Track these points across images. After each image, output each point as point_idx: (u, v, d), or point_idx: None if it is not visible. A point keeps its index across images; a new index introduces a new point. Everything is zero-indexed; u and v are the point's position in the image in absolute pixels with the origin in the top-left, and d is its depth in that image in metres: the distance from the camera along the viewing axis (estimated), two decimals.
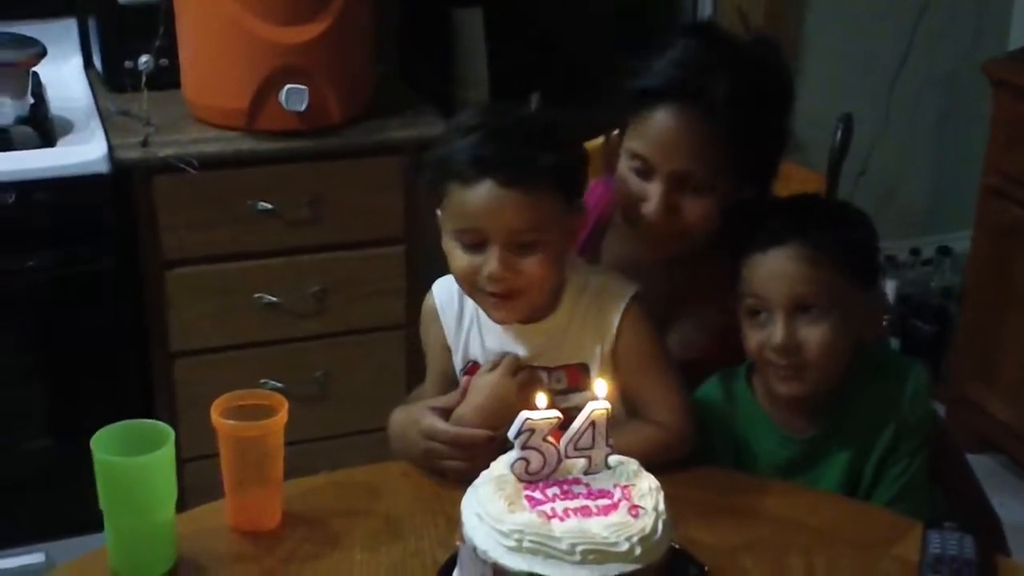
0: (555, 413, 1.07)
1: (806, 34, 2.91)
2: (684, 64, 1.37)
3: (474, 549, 1.02)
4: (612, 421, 1.08)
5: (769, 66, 1.41)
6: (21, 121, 2.00)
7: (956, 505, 1.44)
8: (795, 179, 1.67)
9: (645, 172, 1.37)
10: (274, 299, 2.10)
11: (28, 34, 2.11)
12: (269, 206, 2.04)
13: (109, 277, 1.97)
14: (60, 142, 1.99)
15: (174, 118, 2.06)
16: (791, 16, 2.87)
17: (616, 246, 1.49)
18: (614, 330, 1.29)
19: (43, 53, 2.06)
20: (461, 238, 1.25)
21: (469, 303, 1.34)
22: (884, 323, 1.37)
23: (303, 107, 1.99)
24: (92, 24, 2.26)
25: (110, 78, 2.17)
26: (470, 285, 1.27)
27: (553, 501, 1.04)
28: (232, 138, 2.02)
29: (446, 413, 1.31)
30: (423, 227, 2.20)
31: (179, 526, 1.18)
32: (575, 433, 1.07)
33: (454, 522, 1.10)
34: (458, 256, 1.26)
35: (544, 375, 1.31)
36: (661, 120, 1.35)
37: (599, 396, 1.08)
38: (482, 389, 1.30)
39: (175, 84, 2.10)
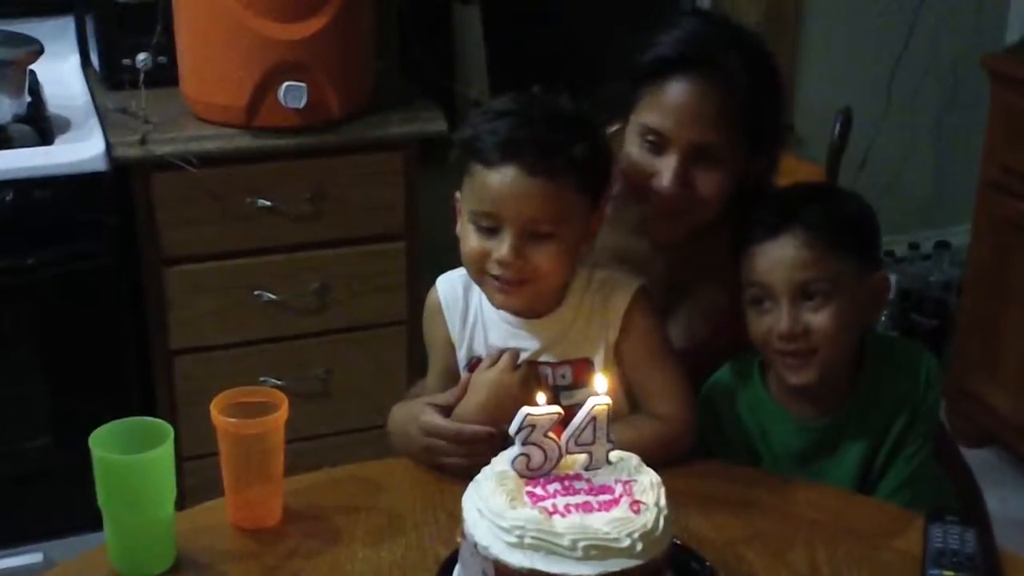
0: (556, 409, 1.06)
1: (805, 28, 2.91)
2: (696, 35, 1.38)
3: (475, 545, 1.02)
4: (614, 415, 1.08)
5: (756, 36, 1.42)
6: (19, 119, 2.00)
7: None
8: (795, 172, 1.68)
9: (659, 146, 1.36)
10: (274, 296, 2.10)
11: (25, 32, 2.10)
12: (269, 203, 2.04)
13: (108, 275, 1.97)
14: (58, 140, 1.98)
15: (173, 115, 2.05)
16: (790, 9, 2.87)
17: (611, 237, 1.49)
18: (619, 324, 1.28)
19: (40, 51, 2.06)
20: (477, 220, 1.24)
21: (474, 299, 1.34)
22: (884, 305, 1.37)
23: (302, 104, 1.98)
24: (90, 22, 2.25)
25: (108, 76, 2.17)
26: (478, 269, 1.26)
27: (554, 497, 1.04)
28: (231, 135, 2.01)
29: (446, 410, 1.31)
30: (424, 223, 2.20)
31: (179, 524, 1.17)
32: (576, 429, 1.07)
33: (455, 518, 1.10)
34: (472, 238, 1.25)
35: (549, 371, 1.30)
36: (676, 90, 1.34)
37: (600, 392, 1.07)
38: (483, 386, 1.30)
39: (173, 82, 2.09)
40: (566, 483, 1.06)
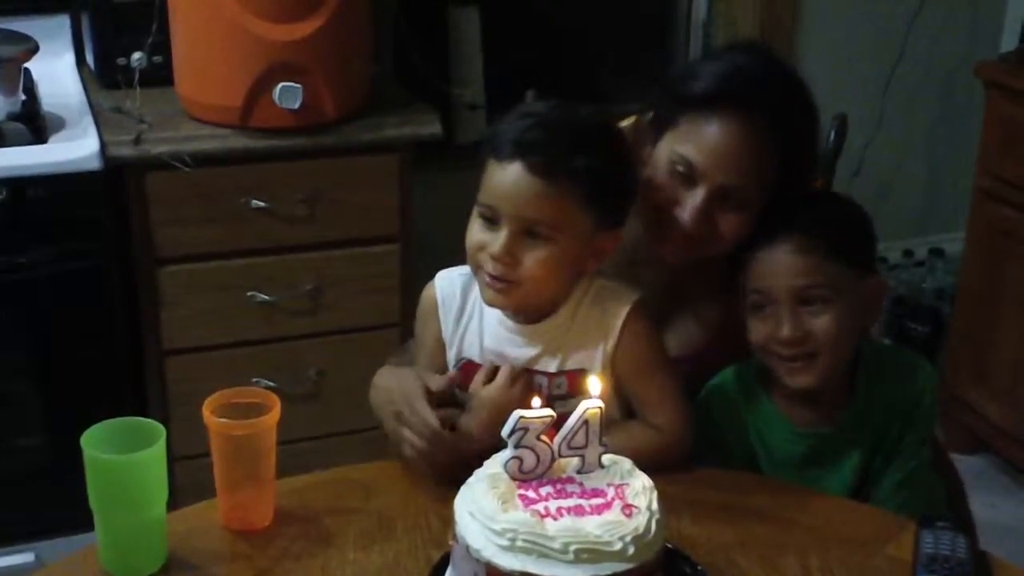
0: (549, 412, 1.06)
1: (800, 35, 2.91)
2: (744, 75, 1.35)
3: (467, 548, 1.02)
4: (607, 422, 1.08)
5: (803, 82, 1.40)
6: (13, 117, 1.99)
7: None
8: None
9: (688, 178, 1.34)
10: (268, 297, 2.09)
11: (20, 30, 2.10)
12: (263, 204, 2.04)
13: (102, 274, 1.96)
14: (52, 139, 1.98)
15: (167, 115, 2.05)
16: (786, 17, 2.87)
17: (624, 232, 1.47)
18: (616, 334, 1.28)
19: (35, 49, 2.05)
20: (481, 212, 1.25)
21: (472, 299, 1.34)
22: (881, 309, 1.38)
23: (297, 105, 1.98)
24: (85, 20, 2.25)
25: (103, 75, 2.16)
26: (475, 260, 1.27)
27: (547, 500, 1.04)
28: (226, 135, 2.01)
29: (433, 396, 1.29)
30: (418, 225, 2.20)
31: (170, 524, 1.17)
32: (569, 432, 1.07)
33: (447, 521, 1.10)
34: (475, 230, 1.26)
35: (545, 380, 1.30)
36: (717, 129, 1.32)
37: (592, 394, 1.07)
38: (483, 406, 1.29)
39: (168, 81, 2.09)
40: (558, 486, 1.06)
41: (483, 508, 1.02)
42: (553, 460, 1.07)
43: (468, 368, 1.34)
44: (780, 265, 1.31)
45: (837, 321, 1.30)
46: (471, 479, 1.07)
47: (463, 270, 1.35)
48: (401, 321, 2.19)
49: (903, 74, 2.99)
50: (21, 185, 1.88)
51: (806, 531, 1.22)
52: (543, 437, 1.06)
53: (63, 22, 2.28)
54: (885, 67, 2.97)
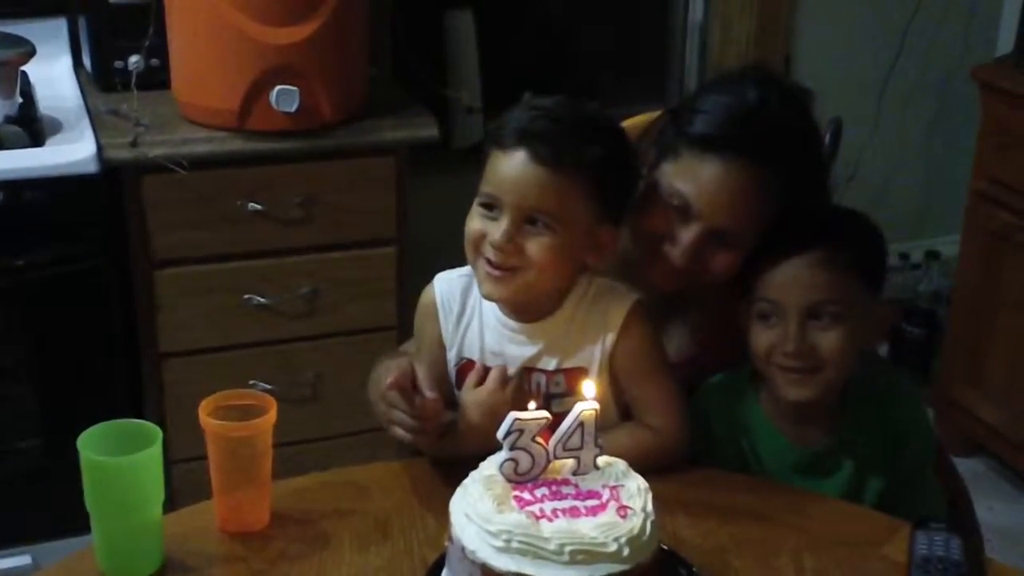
0: (544, 413, 1.07)
1: (796, 38, 2.92)
2: (747, 115, 1.34)
3: (463, 549, 1.02)
4: (604, 424, 1.08)
5: (813, 121, 1.39)
6: (10, 120, 1.99)
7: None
8: None
9: (683, 212, 1.34)
10: (264, 300, 2.10)
11: (17, 33, 2.10)
12: (259, 207, 2.04)
13: (98, 277, 1.97)
14: (49, 142, 1.98)
15: (164, 118, 2.05)
16: (782, 20, 2.88)
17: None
18: (615, 335, 1.28)
19: (32, 52, 2.06)
20: (482, 200, 1.25)
21: (472, 300, 1.34)
22: (886, 333, 1.37)
23: (293, 108, 1.99)
24: (82, 23, 2.25)
25: (100, 78, 2.17)
26: (475, 249, 1.26)
27: (542, 501, 1.04)
28: (222, 138, 2.01)
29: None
30: (415, 228, 2.21)
31: (167, 527, 1.17)
32: (564, 434, 1.07)
33: (443, 522, 1.10)
34: (475, 219, 1.26)
35: (543, 378, 1.30)
36: (717, 171, 1.31)
37: (587, 397, 1.08)
38: (474, 407, 1.29)
39: (165, 84, 2.09)
40: (554, 488, 1.06)
41: (479, 510, 1.02)
42: (548, 462, 1.07)
43: (468, 368, 1.34)
44: (799, 277, 1.29)
45: (844, 339, 1.29)
46: (467, 480, 1.08)
47: (462, 272, 1.35)
48: (398, 324, 2.19)
49: (899, 77, 2.99)
50: (18, 188, 1.88)
51: (801, 532, 1.23)
52: (539, 439, 1.06)
53: (60, 25, 2.28)
54: (881, 70, 2.98)
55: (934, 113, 3.10)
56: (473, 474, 1.08)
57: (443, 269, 1.38)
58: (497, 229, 1.23)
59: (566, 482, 1.07)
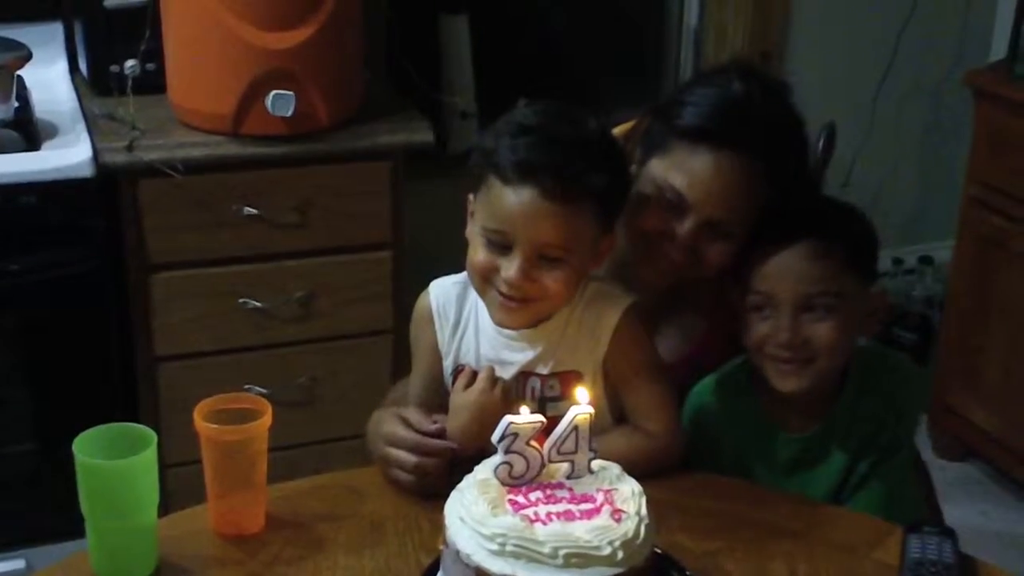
0: (539, 417, 1.07)
1: (790, 45, 2.93)
2: (734, 105, 1.35)
3: (457, 552, 1.02)
4: (598, 428, 1.09)
5: (796, 111, 1.41)
6: (5, 124, 1.99)
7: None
8: None
9: (677, 208, 1.34)
10: (259, 304, 2.10)
11: (13, 37, 2.10)
12: (255, 211, 2.04)
13: (94, 281, 1.97)
14: (45, 146, 1.98)
15: (160, 122, 2.05)
16: (775, 27, 2.89)
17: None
18: (608, 339, 1.28)
19: (28, 56, 2.06)
20: (488, 235, 1.23)
21: (468, 307, 1.34)
22: (880, 322, 1.38)
23: (289, 113, 1.99)
24: (78, 28, 2.25)
25: (96, 82, 2.17)
26: (483, 280, 1.26)
27: (536, 505, 1.05)
28: (218, 142, 2.01)
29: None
30: (410, 232, 2.21)
31: (161, 530, 1.17)
32: (558, 438, 1.08)
33: (437, 526, 1.10)
34: (480, 251, 1.25)
35: (538, 382, 1.30)
36: (708, 163, 1.32)
37: (580, 402, 1.08)
38: (464, 409, 1.29)
39: (161, 88, 2.09)
40: (548, 491, 1.07)
41: (473, 513, 1.03)
42: (543, 465, 1.08)
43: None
44: (791, 269, 1.30)
45: (838, 330, 1.30)
46: (461, 484, 1.08)
47: (457, 279, 1.35)
48: (393, 328, 2.19)
49: (893, 83, 3.00)
50: (14, 192, 1.88)
51: (794, 537, 1.23)
52: (533, 442, 1.07)
53: (56, 29, 2.28)
54: (875, 76, 2.98)
55: (928, 119, 3.11)
56: (468, 477, 1.09)
57: (439, 274, 1.38)
58: (510, 266, 1.22)
59: (560, 486, 1.08)
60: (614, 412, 1.33)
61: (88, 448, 1.11)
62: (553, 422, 1.08)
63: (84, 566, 1.15)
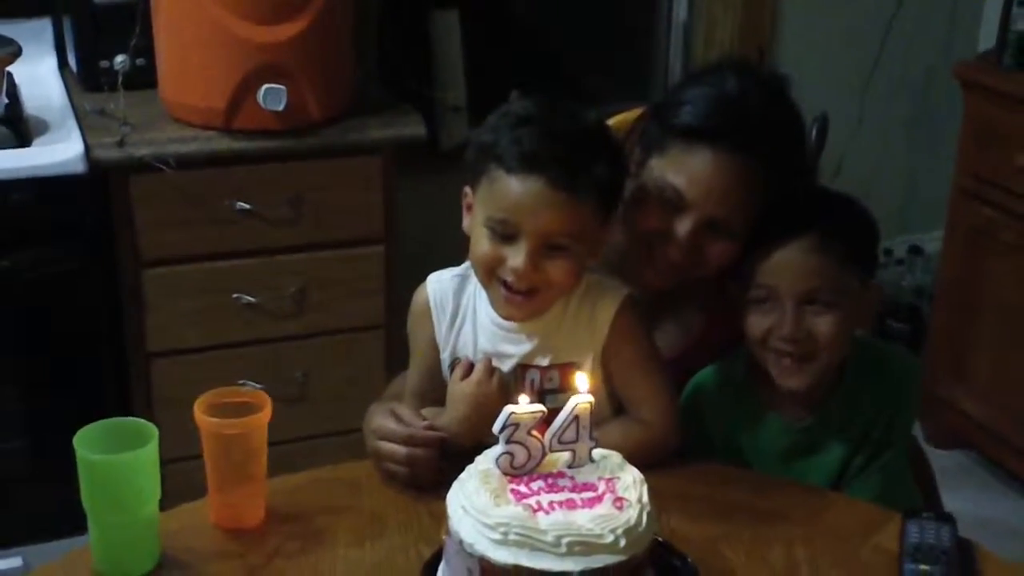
0: (539, 407, 1.07)
1: (780, 36, 2.94)
2: (731, 103, 1.35)
3: (460, 542, 1.02)
4: (596, 419, 1.09)
5: (794, 106, 1.41)
6: None
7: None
8: None
9: (676, 206, 1.34)
10: (253, 299, 2.09)
11: (2, 33, 2.09)
12: (247, 206, 2.04)
13: (86, 277, 1.96)
14: (35, 142, 1.97)
15: (151, 118, 2.04)
16: (765, 17, 2.89)
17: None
18: (606, 329, 1.28)
19: (18, 52, 2.05)
20: (493, 226, 1.23)
21: (465, 301, 1.34)
22: (875, 314, 1.39)
23: (281, 107, 1.98)
24: (67, 24, 2.24)
25: (86, 78, 2.16)
26: (488, 273, 1.26)
27: (538, 494, 1.05)
28: (210, 137, 2.01)
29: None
30: (403, 227, 2.21)
31: (162, 524, 1.17)
32: (559, 427, 1.08)
33: (438, 518, 1.10)
34: (483, 243, 1.24)
35: (537, 374, 1.30)
36: (706, 160, 1.33)
37: (580, 390, 1.08)
38: (461, 400, 1.29)
39: (152, 84, 2.08)
40: (550, 481, 1.07)
41: (475, 503, 1.03)
42: (544, 455, 1.08)
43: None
44: (794, 263, 1.30)
45: (839, 324, 1.30)
46: (463, 475, 1.08)
47: (454, 272, 1.35)
48: (386, 323, 2.19)
49: (882, 75, 3.02)
50: (5, 188, 1.87)
51: (793, 524, 1.24)
52: (534, 432, 1.07)
53: (45, 26, 2.27)
54: (864, 68, 3.00)
55: (916, 110, 3.12)
56: (469, 468, 1.09)
57: (430, 270, 1.38)
58: (517, 256, 1.22)
59: (562, 475, 1.08)
60: (612, 403, 1.33)
61: (89, 443, 1.11)
62: (553, 414, 1.08)
63: (85, 563, 1.15)
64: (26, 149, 1.94)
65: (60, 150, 1.93)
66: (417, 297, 1.37)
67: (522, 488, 1.05)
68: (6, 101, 2.04)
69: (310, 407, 2.19)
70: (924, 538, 1.14)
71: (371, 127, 2.11)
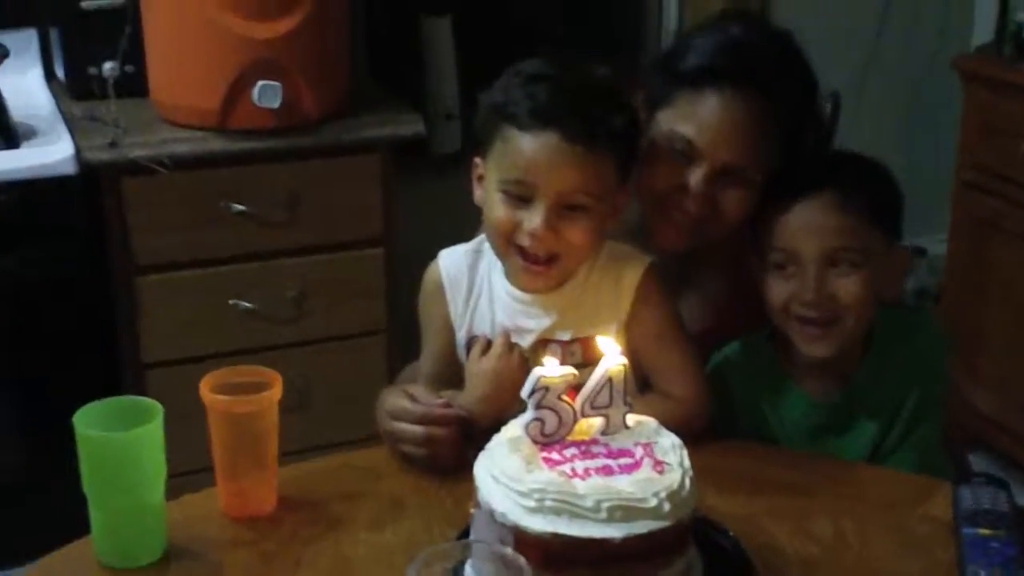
0: (570, 369, 1.02)
1: None
2: (739, 46, 1.31)
3: (492, 513, 0.96)
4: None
5: (801, 51, 1.38)
6: None
7: None
8: None
9: (687, 156, 1.30)
10: (250, 305, 2.03)
11: None
12: (243, 207, 1.98)
13: (78, 283, 1.91)
14: (25, 145, 1.93)
15: (143, 121, 1.99)
16: (754, 11, 2.87)
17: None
18: (630, 300, 1.23)
19: (6, 54, 2.00)
20: (507, 189, 1.18)
21: (479, 276, 1.28)
22: (904, 281, 1.34)
23: (277, 104, 1.94)
24: (54, 33, 2.19)
25: (74, 86, 2.10)
26: (505, 240, 1.20)
27: (572, 461, 0.99)
28: (204, 137, 1.96)
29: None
30: (402, 227, 2.15)
31: (169, 513, 1.10)
32: (591, 391, 1.02)
33: (460, 500, 1.05)
34: (499, 207, 1.19)
35: (559, 349, 1.24)
36: (714, 105, 1.28)
37: (607, 353, 1.02)
38: (481, 377, 1.24)
39: (142, 92, 2.03)
40: (583, 447, 1.01)
41: (506, 470, 0.97)
42: (575, 421, 1.02)
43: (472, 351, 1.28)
44: (814, 223, 1.25)
45: (863, 286, 1.25)
46: (490, 444, 1.02)
47: (467, 247, 1.30)
48: (387, 327, 2.13)
49: (876, 72, 3.00)
50: None
51: (836, 497, 1.18)
52: (565, 397, 1.01)
53: (30, 36, 2.22)
54: (857, 65, 2.97)
55: (912, 109, 3.10)
56: (496, 437, 1.03)
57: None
58: (534, 217, 1.17)
59: (595, 442, 1.02)
60: (638, 379, 1.27)
61: (90, 423, 1.04)
62: (576, 391, 1.03)
63: (88, 552, 1.07)
64: (14, 151, 1.89)
65: (51, 151, 1.88)
66: (428, 275, 1.32)
67: (554, 455, 0.99)
68: None
69: (311, 415, 2.12)
70: (980, 503, 1.08)
71: (368, 125, 2.07)
